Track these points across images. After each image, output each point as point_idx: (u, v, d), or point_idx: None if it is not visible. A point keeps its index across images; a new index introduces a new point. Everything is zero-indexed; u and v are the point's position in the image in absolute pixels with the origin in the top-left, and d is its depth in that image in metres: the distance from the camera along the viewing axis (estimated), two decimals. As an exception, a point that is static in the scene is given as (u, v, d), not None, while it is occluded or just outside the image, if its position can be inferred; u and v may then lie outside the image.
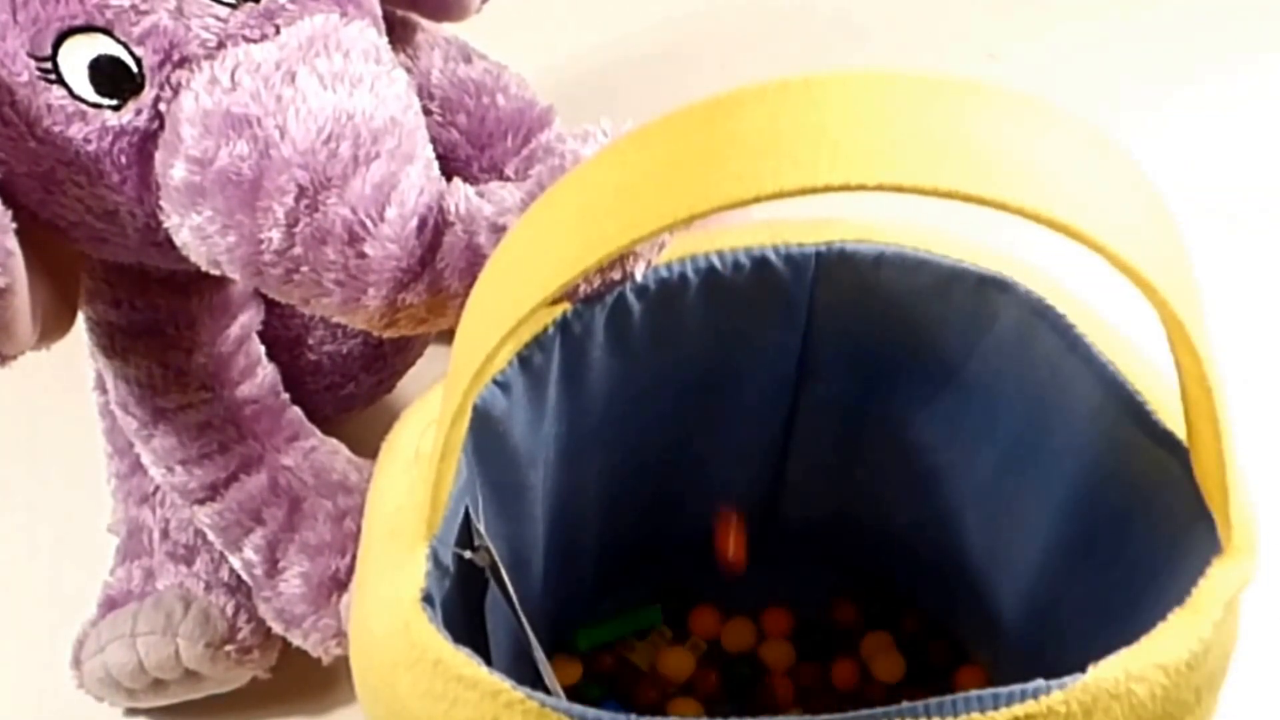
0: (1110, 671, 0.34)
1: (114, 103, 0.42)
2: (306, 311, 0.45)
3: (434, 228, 0.42)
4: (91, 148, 0.42)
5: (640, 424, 0.49)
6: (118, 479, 0.59)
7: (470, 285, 0.37)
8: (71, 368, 0.59)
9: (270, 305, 0.55)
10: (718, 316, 0.46)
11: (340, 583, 0.51)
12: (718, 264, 0.45)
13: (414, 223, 0.41)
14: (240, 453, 0.52)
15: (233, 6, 0.43)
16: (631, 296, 0.44)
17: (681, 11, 0.86)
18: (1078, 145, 0.31)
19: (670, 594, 0.56)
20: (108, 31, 0.42)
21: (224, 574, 0.54)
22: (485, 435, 0.42)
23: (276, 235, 0.41)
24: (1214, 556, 0.37)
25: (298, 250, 0.41)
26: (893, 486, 0.52)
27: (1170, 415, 0.41)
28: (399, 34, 0.53)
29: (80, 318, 0.51)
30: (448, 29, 0.56)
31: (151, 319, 0.51)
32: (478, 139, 0.54)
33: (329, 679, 0.56)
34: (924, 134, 0.29)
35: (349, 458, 0.54)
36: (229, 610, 0.53)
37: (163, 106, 0.42)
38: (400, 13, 0.54)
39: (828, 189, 0.28)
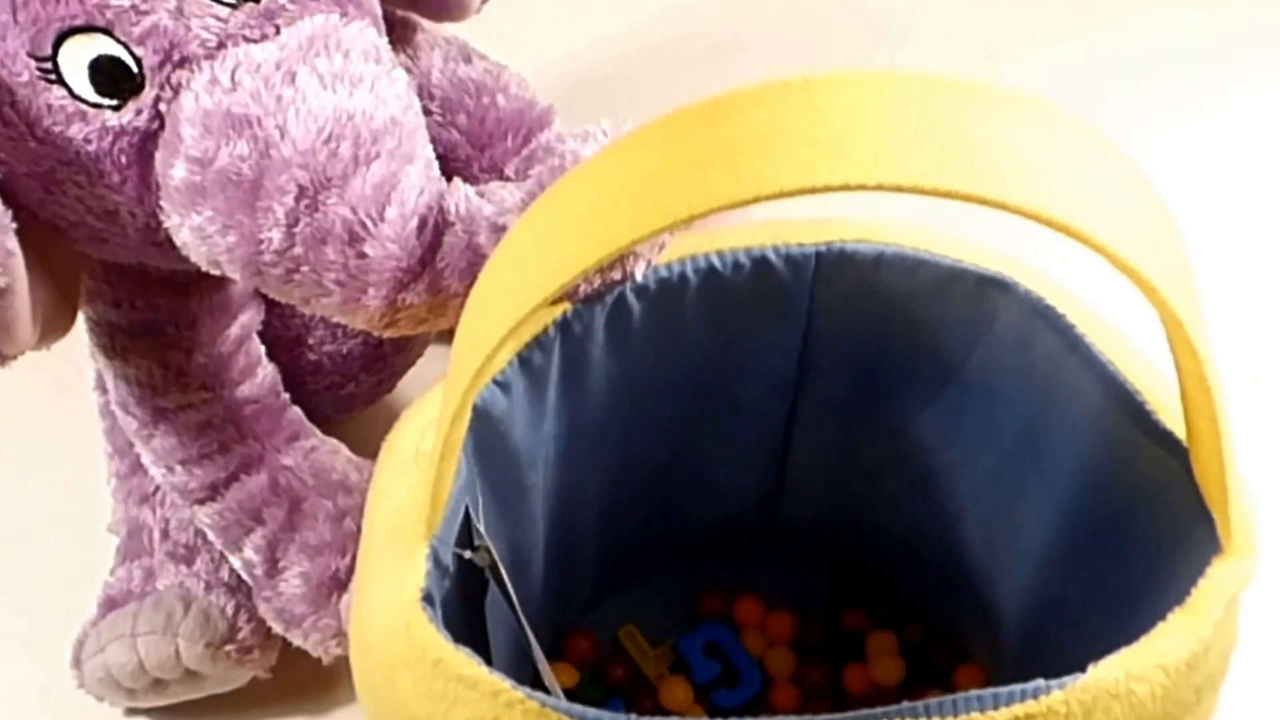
0: (1110, 671, 0.34)
1: (114, 103, 0.42)
2: (306, 311, 0.45)
3: (434, 228, 0.42)
4: (91, 148, 0.42)
5: (640, 424, 0.49)
6: (118, 479, 0.59)
7: (470, 285, 0.37)
8: (71, 368, 0.59)
9: (270, 305, 0.55)
10: (718, 316, 0.46)
11: (340, 583, 0.51)
12: (718, 264, 0.45)
13: (414, 223, 0.41)
14: (240, 453, 0.52)
15: (233, 6, 0.43)
16: (631, 296, 0.44)
17: (681, 12, 0.86)
18: (1077, 145, 0.31)
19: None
20: (108, 31, 0.42)
21: (224, 574, 0.54)
22: (485, 435, 0.42)
23: (276, 235, 0.41)
24: (1214, 556, 0.37)
25: (298, 250, 0.41)
26: (893, 486, 0.52)
27: (1170, 415, 0.41)
28: (399, 34, 0.53)
29: (80, 318, 0.51)
30: (448, 29, 0.56)
31: (151, 319, 0.51)
32: (478, 139, 0.54)
33: (329, 679, 0.56)
34: (924, 134, 0.29)
35: (349, 458, 0.54)
36: (229, 610, 0.53)
37: (163, 106, 0.42)
38: (400, 13, 0.54)
39: (828, 189, 0.28)
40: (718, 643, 0.55)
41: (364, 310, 0.42)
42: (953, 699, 0.33)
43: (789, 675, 0.55)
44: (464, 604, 0.41)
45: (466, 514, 0.40)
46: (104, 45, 0.42)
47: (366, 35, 0.44)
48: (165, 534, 0.56)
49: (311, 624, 0.51)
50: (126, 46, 0.42)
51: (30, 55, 0.42)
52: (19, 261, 0.42)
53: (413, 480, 0.39)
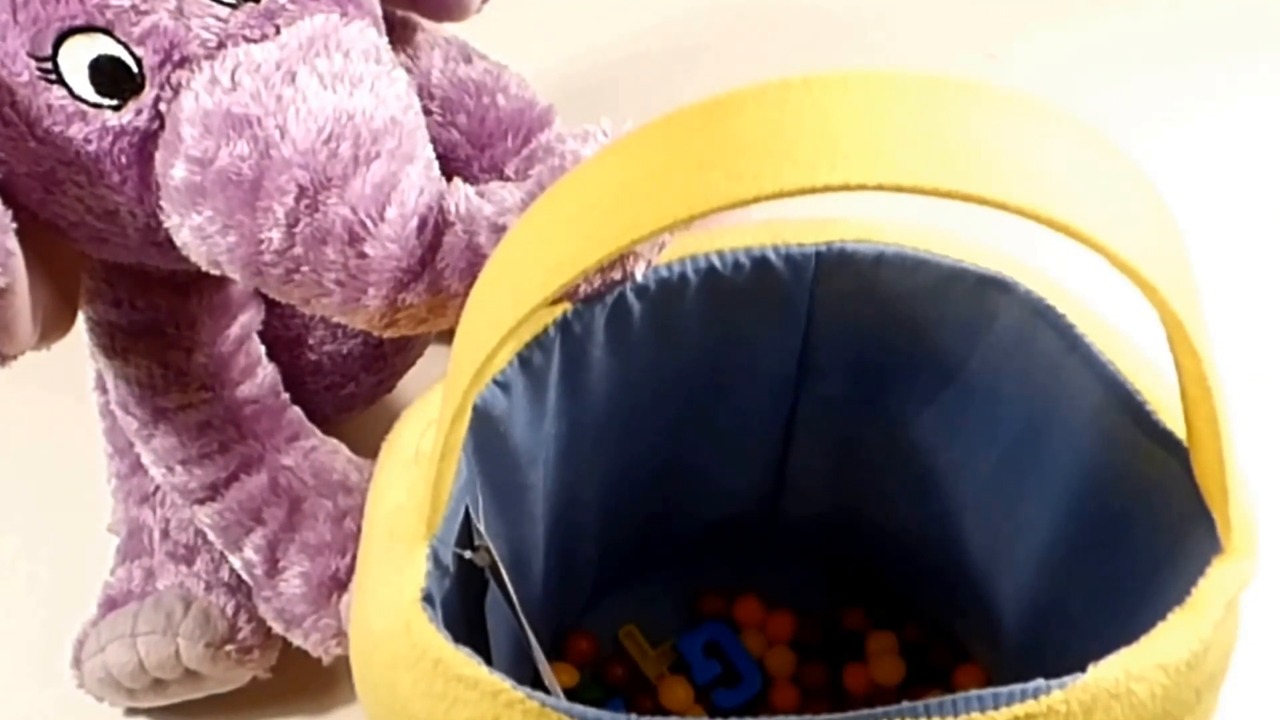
0: (1110, 671, 0.34)
1: (114, 103, 0.42)
2: (307, 311, 0.45)
3: (434, 228, 0.42)
4: (92, 148, 0.42)
5: (640, 424, 0.49)
6: (118, 479, 0.59)
7: (470, 285, 0.37)
8: (71, 368, 0.59)
9: (270, 305, 0.55)
10: (718, 316, 0.46)
11: (340, 582, 0.51)
12: (718, 264, 0.45)
13: (414, 223, 0.41)
14: (240, 453, 0.52)
15: (233, 6, 0.43)
16: (631, 296, 0.45)
17: (682, 11, 0.86)
18: (1077, 145, 0.31)
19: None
20: (108, 31, 0.42)
21: (224, 574, 0.54)
22: (485, 435, 0.42)
23: (277, 235, 0.41)
24: (1214, 556, 0.37)
25: (298, 250, 0.41)
26: (893, 487, 0.52)
27: (1170, 415, 0.41)
28: (399, 34, 0.53)
29: (80, 318, 0.51)
30: (448, 29, 0.56)
31: (152, 319, 0.51)
32: (478, 139, 0.54)
33: (329, 679, 0.56)
34: (924, 134, 0.29)
35: (349, 457, 0.54)
36: (229, 610, 0.53)
37: (163, 106, 0.42)
38: (400, 13, 0.54)
39: (828, 189, 0.28)
40: (718, 643, 0.55)
41: (364, 310, 0.42)
42: (953, 699, 0.33)
43: (789, 675, 0.55)
44: (464, 604, 0.41)
45: (466, 514, 0.40)
46: (104, 45, 0.42)
47: (366, 35, 0.44)
48: (165, 534, 0.56)
49: (311, 624, 0.51)
50: (126, 46, 0.42)
51: (30, 55, 0.42)
52: (19, 261, 0.42)
53: (413, 480, 0.39)
